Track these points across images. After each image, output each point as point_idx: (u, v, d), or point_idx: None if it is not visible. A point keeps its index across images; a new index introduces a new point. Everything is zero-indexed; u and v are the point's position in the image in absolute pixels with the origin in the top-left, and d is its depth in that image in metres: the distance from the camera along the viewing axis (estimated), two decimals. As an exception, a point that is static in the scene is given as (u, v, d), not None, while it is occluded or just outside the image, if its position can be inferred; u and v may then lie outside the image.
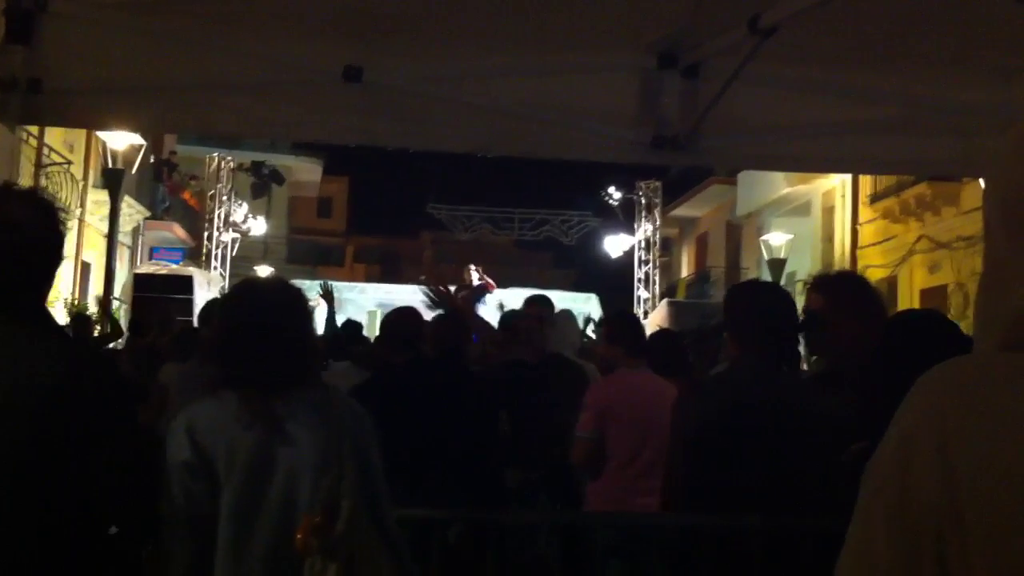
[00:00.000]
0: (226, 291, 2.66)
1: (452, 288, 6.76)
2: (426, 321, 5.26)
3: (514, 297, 12.87)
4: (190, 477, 2.27)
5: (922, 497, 0.92)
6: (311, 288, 17.79)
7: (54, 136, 17.66)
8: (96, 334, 10.46)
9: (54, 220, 2.18)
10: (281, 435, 2.32)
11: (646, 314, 23.40)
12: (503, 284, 14.69)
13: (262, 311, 2.45)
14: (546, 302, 6.35)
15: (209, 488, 2.28)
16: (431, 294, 5.88)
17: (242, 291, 2.64)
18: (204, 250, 25.15)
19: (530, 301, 6.32)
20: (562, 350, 5.89)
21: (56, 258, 2.19)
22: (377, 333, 6.21)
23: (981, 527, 0.88)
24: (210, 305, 6.52)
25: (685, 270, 34.68)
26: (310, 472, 2.30)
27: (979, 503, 0.89)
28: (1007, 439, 0.89)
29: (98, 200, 19.67)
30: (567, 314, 7.03)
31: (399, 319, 5.15)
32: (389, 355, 5.08)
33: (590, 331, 9.58)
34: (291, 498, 2.29)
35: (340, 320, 8.31)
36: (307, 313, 2.57)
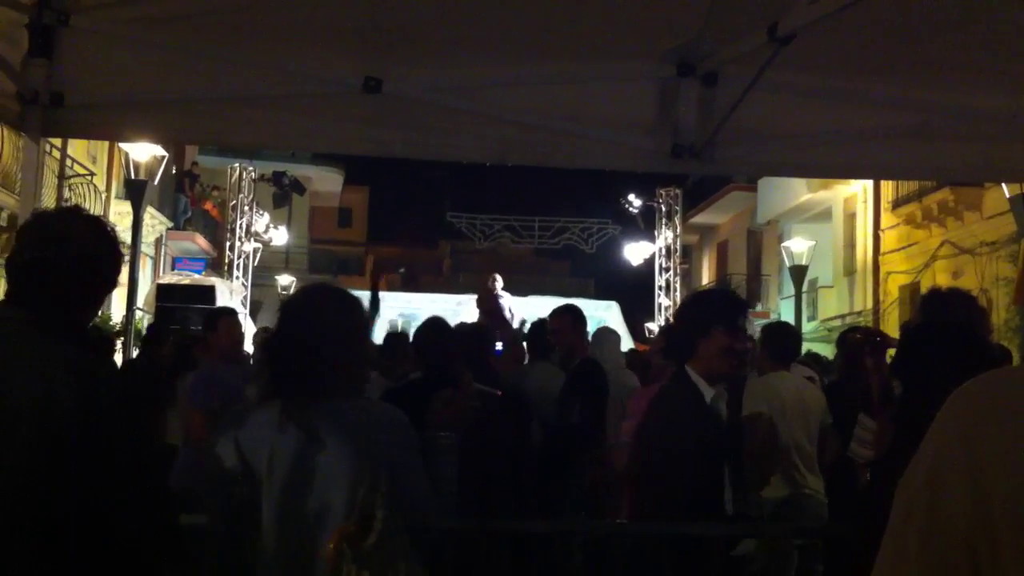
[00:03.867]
0: (286, 299, 2.63)
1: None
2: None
3: (531, 306, 12.78)
4: (234, 484, 2.31)
5: (954, 518, 0.91)
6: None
7: (77, 148, 17.80)
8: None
9: (108, 238, 2.22)
10: (318, 444, 2.34)
11: (667, 322, 23.31)
12: (523, 292, 14.65)
13: (313, 321, 2.46)
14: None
15: (251, 494, 2.31)
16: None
17: (297, 300, 2.63)
18: (226, 260, 25.22)
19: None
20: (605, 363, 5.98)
21: (105, 275, 2.22)
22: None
23: (1016, 545, 0.87)
24: (212, 313, 6.56)
25: (706, 277, 34.54)
26: (346, 482, 2.32)
27: (1013, 521, 0.87)
28: None
29: (121, 211, 19.80)
30: (606, 330, 7.06)
31: (428, 335, 5.18)
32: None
33: None
34: (327, 507, 2.31)
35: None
36: (360, 323, 2.56)
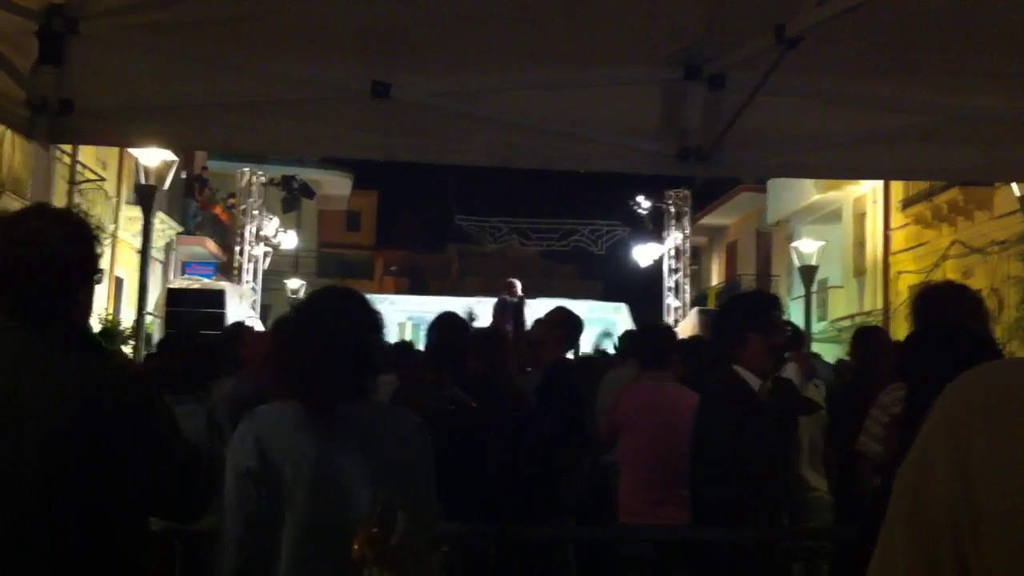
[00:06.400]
0: (305, 300, 2.69)
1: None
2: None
3: (539, 308, 12.75)
4: (253, 484, 2.31)
5: (938, 500, 0.92)
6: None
7: (87, 154, 17.89)
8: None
9: (79, 235, 2.18)
10: (340, 446, 2.37)
11: (676, 323, 23.29)
12: (530, 295, 14.59)
13: (330, 324, 2.48)
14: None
15: (272, 494, 2.32)
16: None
17: (312, 303, 2.64)
18: (236, 264, 25.31)
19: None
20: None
21: (80, 272, 2.20)
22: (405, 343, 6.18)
23: (998, 529, 0.87)
24: (235, 326, 6.46)
25: (715, 278, 34.50)
26: (368, 485, 2.33)
27: (996, 505, 0.88)
28: (1021, 439, 0.88)
29: (131, 216, 19.90)
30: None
31: (444, 335, 5.16)
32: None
33: (610, 346, 9.51)
34: (350, 510, 2.31)
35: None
36: (374, 325, 2.58)
